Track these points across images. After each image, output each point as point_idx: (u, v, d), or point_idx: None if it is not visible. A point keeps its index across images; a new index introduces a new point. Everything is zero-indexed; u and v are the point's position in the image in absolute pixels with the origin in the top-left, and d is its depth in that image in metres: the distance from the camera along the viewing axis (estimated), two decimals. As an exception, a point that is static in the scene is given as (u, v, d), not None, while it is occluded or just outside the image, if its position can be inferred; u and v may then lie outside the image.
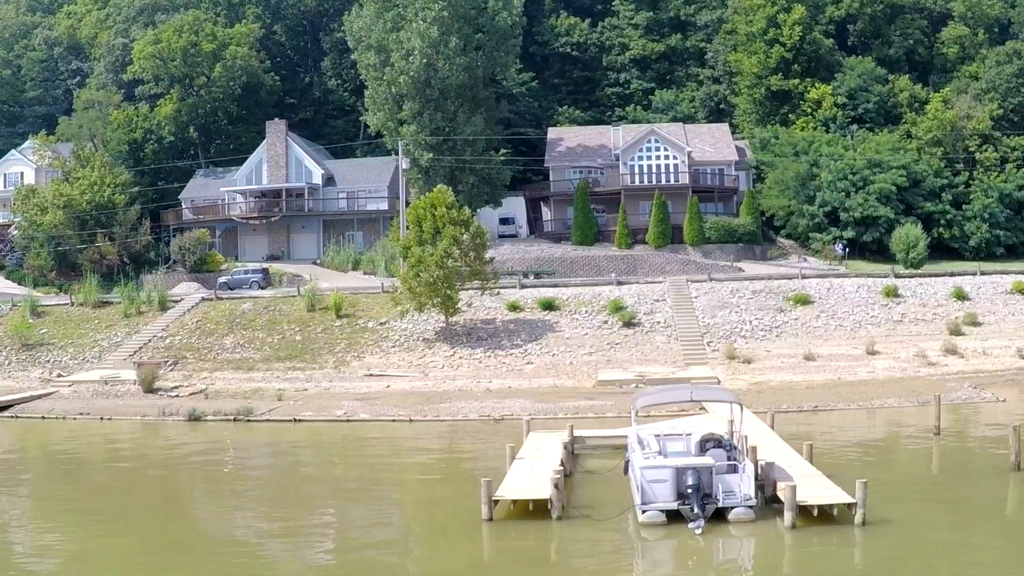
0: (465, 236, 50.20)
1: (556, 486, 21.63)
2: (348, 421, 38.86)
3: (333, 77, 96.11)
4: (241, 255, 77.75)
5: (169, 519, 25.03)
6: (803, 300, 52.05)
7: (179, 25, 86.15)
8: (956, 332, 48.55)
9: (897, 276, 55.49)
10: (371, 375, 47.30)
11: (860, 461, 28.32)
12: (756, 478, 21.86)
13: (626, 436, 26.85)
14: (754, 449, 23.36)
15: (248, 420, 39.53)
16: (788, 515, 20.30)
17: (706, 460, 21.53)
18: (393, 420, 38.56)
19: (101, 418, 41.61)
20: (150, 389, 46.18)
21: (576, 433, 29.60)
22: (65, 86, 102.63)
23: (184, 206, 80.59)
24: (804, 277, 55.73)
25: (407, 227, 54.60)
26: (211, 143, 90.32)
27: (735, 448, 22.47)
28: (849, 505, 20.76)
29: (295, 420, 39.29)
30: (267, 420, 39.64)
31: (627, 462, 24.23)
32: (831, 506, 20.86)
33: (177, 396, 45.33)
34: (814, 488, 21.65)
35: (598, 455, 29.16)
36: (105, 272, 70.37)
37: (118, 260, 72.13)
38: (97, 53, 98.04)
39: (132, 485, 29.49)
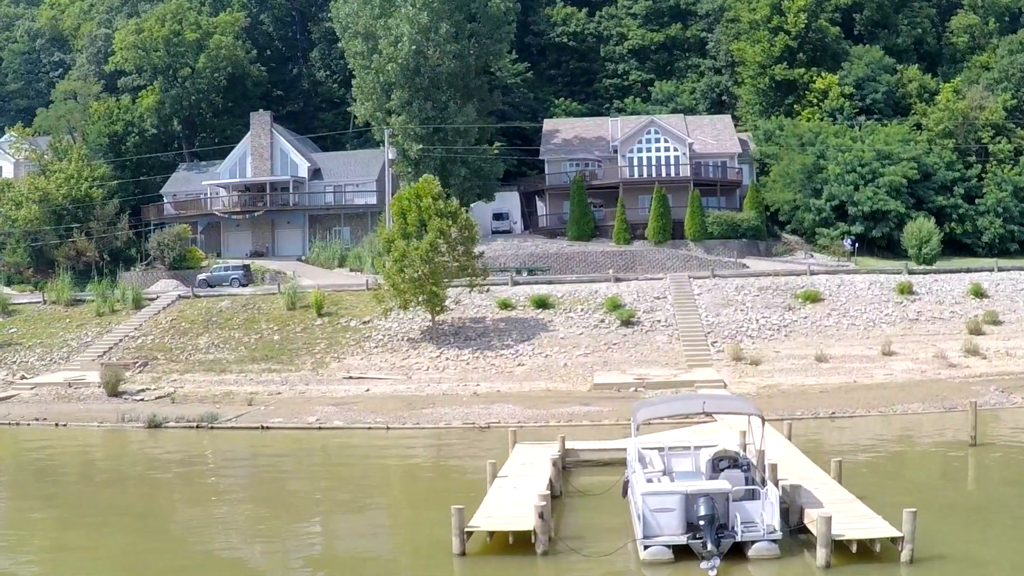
0: (453, 229, 47.09)
1: (541, 515, 18.30)
2: (320, 429, 35.69)
3: (322, 68, 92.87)
4: (224, 251, 74.68)
5: (114, 560, 21.80)
6: (812, 297, 49.20)
7: (162, 14, 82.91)
8: (976, 331, 45.79)
9: (911, 272, 52.75)
10: (351, 377, 44.22)
11: (893, 480, 25.19)
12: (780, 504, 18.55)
13: (624, 449, 23.57)
14: (774, 468, 20.06)
15: (212, 427, 36.36)
16: (821, 552, 16.96)
17: (721, 484, 18.22)
18: (369, 428, 35.46)
19: (56, 424, 38.55)
20: (115, 392, 43.45)
21: (568, 445, 26.28)
22: (47, 79, 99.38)
23: (166, 201, 77.47)
24: (813, 273, 53.08)
25: (392, 220, 51.51)
26: (195, 136, 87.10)
27: (753, 467, 19.14)
28: (894, 539, 17.41)
29: (263, 427, 36.14)
30: (232, 427, 36.46)
31: (626, 483, 20.70)
32: (873, 541, 17.50)
33: (142, 400, 42.31)
34: (850, 517, 18.25)
35: (592, 470, 25.89)
36: (83, 269, 67.23)
37: (96, 257, 68.80)
38: (79, 44, 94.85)
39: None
